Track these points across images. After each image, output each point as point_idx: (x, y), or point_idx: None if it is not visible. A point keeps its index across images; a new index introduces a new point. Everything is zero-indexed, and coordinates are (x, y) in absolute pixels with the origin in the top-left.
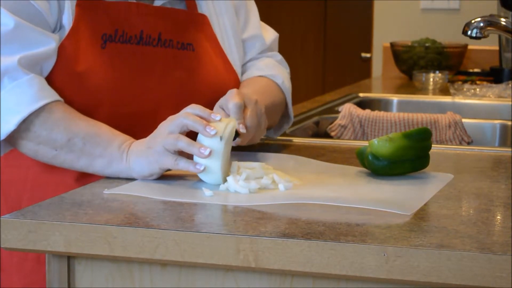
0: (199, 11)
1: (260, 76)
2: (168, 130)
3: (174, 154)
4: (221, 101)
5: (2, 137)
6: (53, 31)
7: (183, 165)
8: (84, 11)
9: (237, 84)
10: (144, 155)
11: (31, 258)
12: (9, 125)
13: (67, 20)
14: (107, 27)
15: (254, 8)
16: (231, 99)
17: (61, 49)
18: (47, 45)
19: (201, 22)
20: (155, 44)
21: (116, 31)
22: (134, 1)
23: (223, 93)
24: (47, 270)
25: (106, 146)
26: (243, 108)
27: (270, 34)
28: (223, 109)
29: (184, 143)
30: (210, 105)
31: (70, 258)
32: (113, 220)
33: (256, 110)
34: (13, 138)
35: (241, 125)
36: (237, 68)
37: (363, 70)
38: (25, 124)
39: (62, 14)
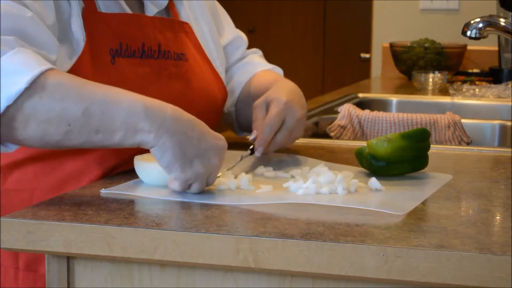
0: (181, 19)
1: (264, 70)
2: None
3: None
4: (268, 98)
5: (10, 101)
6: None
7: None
8: (91, 24)
9: (223, 90)
10: (174, 151)
11: (21, 267)
12: (17, 85)
13: (79, 29)
14: (112, 41)
15: (222, 8)
16: (270, 117)
17: (77, 65)
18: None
19: (187, 30)
20: (156, 56)
21: (121, 44)
22: (129, 12)
23: (212, 101)
24: (47, 270)
25: (130, 114)
26: (275, 130)
27: (241, 32)
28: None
29: (197, 191)
30: (201, 114)
31: (69, 259)
32: (112, 220)
33: (295, 129)
34: (9, 123)
35: (259, 149)
36: (221, 74)
37: (363, 70)
38: (30, 94)
39: (66, 21)
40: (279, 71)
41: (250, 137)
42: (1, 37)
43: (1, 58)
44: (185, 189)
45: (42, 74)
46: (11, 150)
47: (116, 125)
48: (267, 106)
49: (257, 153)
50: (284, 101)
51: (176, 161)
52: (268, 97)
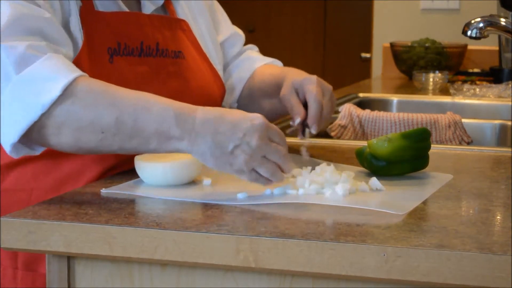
0: (178, 16)
1: (265, 64)
2: (251, 148)
3: (252, 171)
4: (296, 83)
5: (44, 109)
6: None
7: (262, 182)
8: (89, 23)
9: (221, 87)
10: (212, 152)
11: (20, 267)
12: (51, 92)
13: (77, 28)
14: (111, 40)
15: (219, 5)
16: (312, 94)
17: (75, 65)
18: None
19: (184, 28)
20: (154, 54)
21: (119, 44)
22: (126, 10)
23: (210, 98)
24: (47, 270)
25: (161, 122)
26: (322, 105)
27: (238, 28)
28: (297, 92)
29: (268, 174)
30: None
31: (70, 258)
32: (113, 220)
33: (332, 100)
34: (39, 129)
35: (313, 126)
36: (220, 72)
37: (363, 70)
38: (62, 101)
39: (67, 19)
40: (279, 63)
41: (296, 122)
42: (33, 42)
43: (34, 64)
44: (254, 177)
45: (73, 80)
46: (37, 152)
47: (149, 132)
48: (297, 91)
49: (313, 131)
50: (315, 78)
51: (218, 159)
52: (294, 82)
